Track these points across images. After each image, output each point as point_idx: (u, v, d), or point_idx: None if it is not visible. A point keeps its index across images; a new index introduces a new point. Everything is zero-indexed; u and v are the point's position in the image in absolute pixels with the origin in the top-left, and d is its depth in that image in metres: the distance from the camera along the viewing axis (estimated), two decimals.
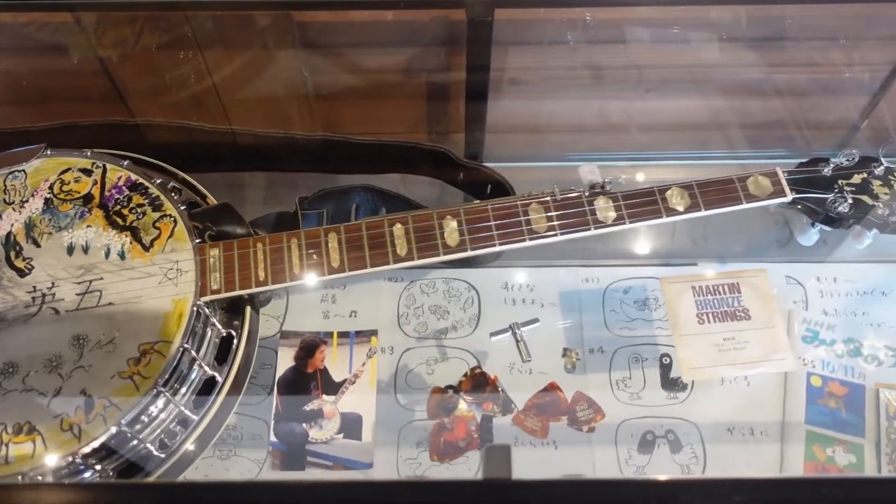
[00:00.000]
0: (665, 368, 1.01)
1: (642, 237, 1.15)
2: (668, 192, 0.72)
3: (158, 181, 0.75)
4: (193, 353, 0.68)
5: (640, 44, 0.85)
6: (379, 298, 1.09)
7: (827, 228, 0.76)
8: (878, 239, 1.13)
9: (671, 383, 1.03)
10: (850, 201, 0.74)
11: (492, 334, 0.91)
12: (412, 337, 1.05)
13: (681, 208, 0.72)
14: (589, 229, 0.72)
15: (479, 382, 0.78)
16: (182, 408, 0.68)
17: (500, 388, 0.77)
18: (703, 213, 0.72)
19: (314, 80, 0.86)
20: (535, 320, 0.90)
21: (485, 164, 0.82)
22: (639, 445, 0.99)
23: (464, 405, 0.76)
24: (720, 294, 0.78)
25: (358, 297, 1.09)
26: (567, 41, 0.82)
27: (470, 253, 0.70)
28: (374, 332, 0.79)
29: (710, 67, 0.89)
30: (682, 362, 0.75)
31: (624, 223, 0.71)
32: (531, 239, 0.71)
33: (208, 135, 0.81)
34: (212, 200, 0.78)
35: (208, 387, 0.71)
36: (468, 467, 0.89)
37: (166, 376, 0.66)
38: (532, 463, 0.97)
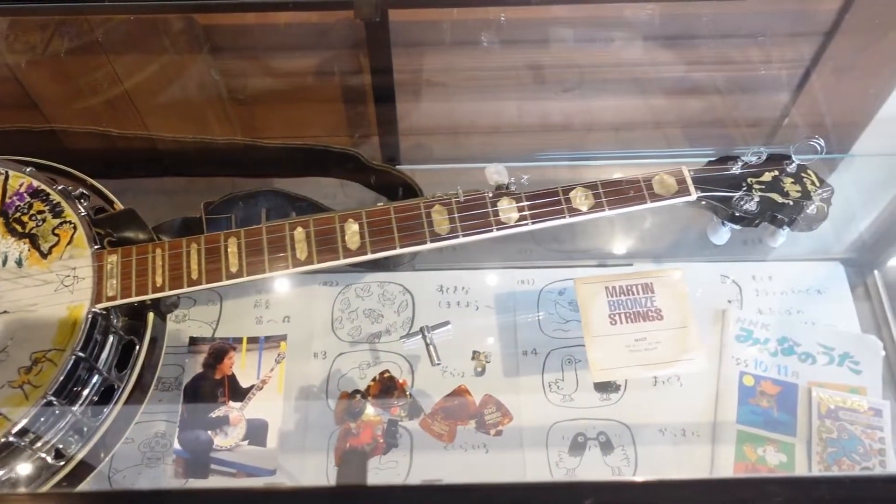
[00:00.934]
0: None
1: (580, 237, 1.14)
2: (573, 192, 0.72)
3: (61, 188, 0.74)
4: (91, 360, 0.67)
5: (556, 44, 0.84)
6: (313, 303, 1.09)
7: (736, 227, 0.76)
8: (814, 237, 1.12)
9: (604, 385, 1.02)
10: (756, 199, 0.73)
11: (402, 339, 0.90)
12: (345, 341, 1.05)
13: (585, 208, 0.71)
14: (491, 230, 0.71)
15: (387, 387, 0.77)
16: (79, 416, 0.67)
17: (408, 393, 0.76)
18: (607, 213, 0.71)
19: (229, 84, 0.86)
20: (446, 323, 0.89)
21: (402, 166, 0.82)
22: (570, 447, 0.98)
23: (371, 410, 0.76)
24: (634, 294, 0.78)
25: (292, 302, 1.08)
26: (482, 42, 0.82)
27: (370, 256, 0.70)
28: (283, 338, 0.78)
29: (629, 66, 0.88)
30: (591, 364, 0.74)
31: (527, 224, 0.71)
32: (433, 241, 0.70)
33: (120, 140, 0.81)
34: (119, 206, 0.77)
35: (108, 394, 0.70)
36: (372, 473, 0.88)
37: (56, 385, 0.65)
38: (467, 466, 0.96)
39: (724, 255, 1.11)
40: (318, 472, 0.77)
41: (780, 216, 0.75)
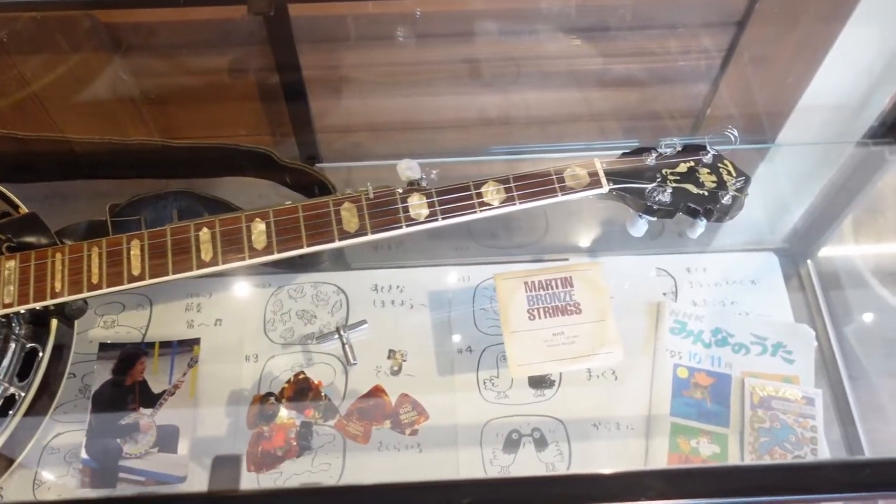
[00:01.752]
0: None
1: (517, 233, 1.14)
2: (484, 187, 0.71)
3: None
4: None
5: (472, 37, 0.83)
6: (245, 305, 1.07)
7: (652, 219, 0.75)
8: (748, 228, 1.13)
9: (538, 381, 1.01)
10: (670, 190, 0.73)
11: (317, 339, 0.89)
12: (278, 343, 1.03)
13: (496, 203, 0.71)
14: (401, 227, 0.70)
15: (302, 388, 0.76)
16: None
17: (323, 394, 0.74)
18: (518, 206, 0.71)
19: (139, 84, 0.84)
20: (363, 322, 0.88)
21: (324, 164, 0.80)
22: (504, 445, 0.98)
23: (285, 412, 0.74)
24: (553, 289, 0.77)
25: (224, 304, 1.07)
26: (398, 37, 0.80)
27: (277, 256, 0.68)
28: (196, 342, 0.76)
29: (549, 59, 0.87)
30: (510, 360, 0.73)
31: (437, 220, 0.70)
32: (341, 239, 0.69)
33: (28, 143, 0.79)
34: (24, 210, 0.75)
35: (9, 404, 0.68)
36: (285, 477, 0.87)
37: None
38: (399, 466, 0.95)
39: (660, 247, 1.11)
40: (231, 477, 0.76)
41: (695, 207, 0.74)
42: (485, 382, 1.01)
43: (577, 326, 0.74)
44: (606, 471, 0.49)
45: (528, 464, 0.96)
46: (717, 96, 0.89)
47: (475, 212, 0.70)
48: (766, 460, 0.95)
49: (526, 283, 0.76)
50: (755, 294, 1.07)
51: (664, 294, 1.07)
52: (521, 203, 0.70)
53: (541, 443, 0.97)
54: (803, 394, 0.98)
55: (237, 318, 1.06)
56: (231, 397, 0.90)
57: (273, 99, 0.85)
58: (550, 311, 0.76)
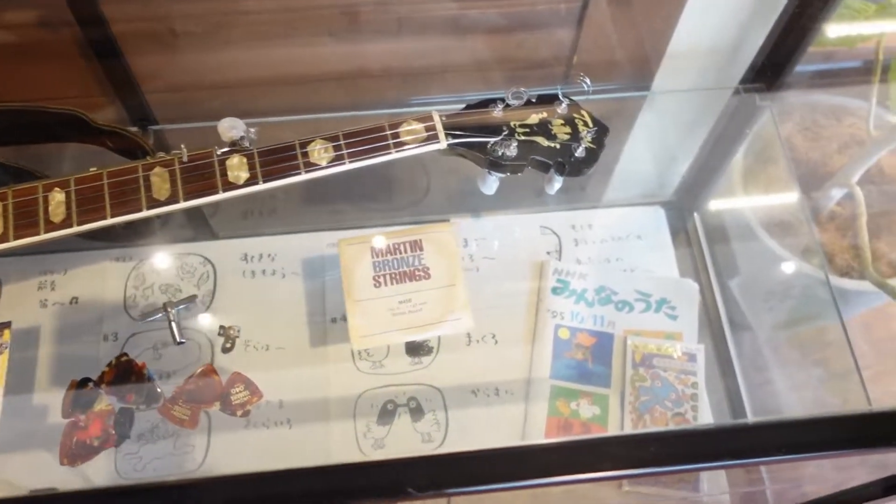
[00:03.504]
0: None
1: (397, 195, 1.08)
2: (311, 146, 0.65)
3: None
4: None
5: None
6: (104, 281, 1.00)
7: (501, 175, 0.71)
8: (635, 181, 1.09)
9: (416, 348, 0.97)
10: (514, 144, 0.68)
11: (141, 317, 0.83)
12: (139, 321, 0.97)
13: (324, 162, 0.65)
14: (217, 192, 0.64)
15: (124, 372, 0.70)
16: None
17: (147, 377, 0.69)
18: (348, 166, 0.65)
19: None
20: (193, 297, 0.82)
21: (159, 126, 0.74)
22: (378, 416, 0.94)
23: (104, 399, 0.69)
24: (401, 253, 0.72)
25: (80, 281, 1.00)
26: None
27: (77, 229, 0.62)
28: (7, 325, 0.70)
29: (401, 5, 0.81)
30: (351, 331, 0.68)
31: (257, 183, 0.64)
32: (150, 208, 0.63)
33: None
34: None
35: None
36: (104, 469, 0.82)
37: None
38: (268, 444, 0.91)
39: (545, 205, 1.07)
40: (42, 472, 0.71)
41: (544, 161, 0.69)
42: (360, 353, 0.96)
43: (426, 293, 0.70)
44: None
45: (403, 435, 0.92)
46: (581, 42, 0.84)
47: (300, 173, 0.64)
48: (646, 419, 0.93)
49: (372, 248, 0.71)
50: (641, 250, 1.04)
51: (548, 253, 1.03)
52: (350, 162, 0.65)
53: (417, 412, 0.93)
54: (685, 350, 0.96)
55: (95, 295, 0.99)
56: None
57: (87, 57, 0.77)
58: (398, 277, 0.71)
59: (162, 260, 1.01)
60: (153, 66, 0.80)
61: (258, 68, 0.85)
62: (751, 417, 0.94)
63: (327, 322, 0.98)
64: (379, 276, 0.71)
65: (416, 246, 0.72)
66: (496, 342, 0.97)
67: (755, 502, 0.93)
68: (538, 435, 0.92)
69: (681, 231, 1.05)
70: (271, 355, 0.96)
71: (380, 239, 0.71)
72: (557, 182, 0.73)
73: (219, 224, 1.03)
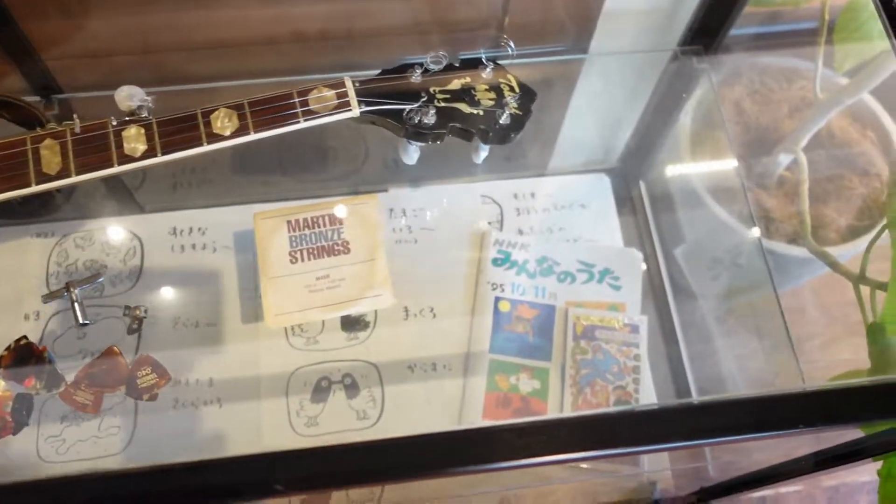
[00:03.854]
0: None
1: (331, 165, 1.04)
2: (214, 115, 0.61)
3: None
4: None
5: None
6: (25, 258, 0.96)
7: (420, 144, 0.67)
8: (580, 148, 1.06)
9: (351, 323, 0.94)
10: (432, 112, 0.64)
11: (46, 298, 0.79)
12: (45, 302, 0.93)
13: (228, 132, 0.61)
14: (112, 166, 0.60)
15: (23, 356, 0.67)
16: None
17: (47, 360, 0.66)
18: (254, 136, 0.61)
19: None
20: (98, 275, 0.78)
21: (65, 95, 0.69)
22: (312, 394, 0.91)
23: (1, 384, 0.65)
24: (320, 227, 0.68)
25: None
26: None
27: None
28: None
29: None
30: (265, 309, 0.65)
31: (156, 156, 0.60)
32: (39, 183, 0.59)
33: None
34: None
35: None
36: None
37: None
38: (197, 424, 0.88)
39: (486, 173, 1.03)
40: None
41: (465, 129, 0.66)
42: (293, 328, 0.93)
43: (345, 268, 0.66)
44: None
45: (337, 413, 0.90)
46: (513, 2, 0.80)
47: (202, 144, 0.60)
48: (587, 393, 0.91)
49: (289, 221, 0.67)
50: (585, 219, 1.01)
51: (489, 223, 1.00)
52: (256, 132, 0.61)
53: (352, 389, 0.91)
54: (628, 321, 0.93)
55: (15, 273, 0.95)
56: None
57: None
58: (315, 252, 0.68)
59: (86, 235, 0.97)
60: (52, 32, 0.75)
61: (179, 31, 0.80)
62: (694, 390, 0.93)
63: (259, 297, 0.95)
64: (296, 252, 0.68)
65: (336, 219, 0.68)
66: (434, 316, 0.94)
67: (697, 475, 0.92)
68: (476, 411, 0.90)
69: (626, 199, 1.02)
70: (201, 332, 0.92)
71: (297, 212, 0.68)
72: (483, 150, 0.70)
73: (145, 197, 0.99)
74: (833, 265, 0.73)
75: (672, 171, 1.01)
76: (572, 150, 1.03)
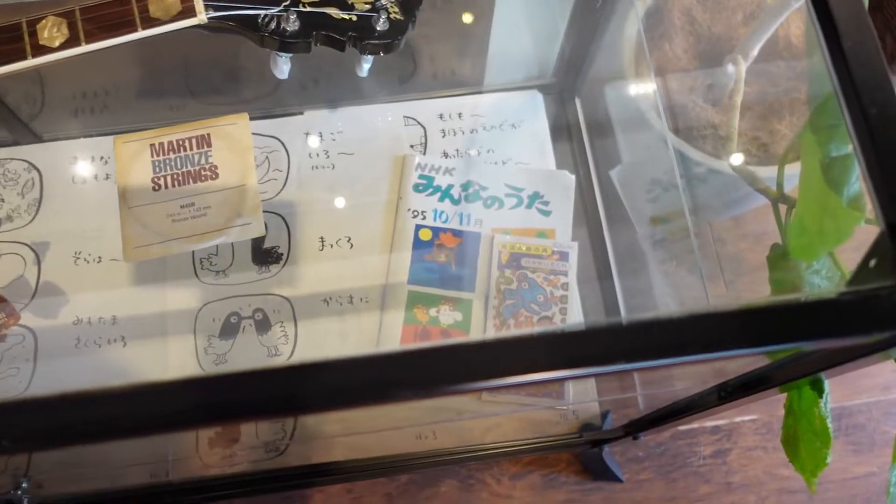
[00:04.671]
0: (258, 239, 0.86)
1: (245, 85, 0.97)
2: (41, 25, 0.54)
3: None
4: None
5: None
6: None
7: (288, 55, 0.60)
8: (511, 62, 0.98)
9: (263, 255, 0.89)
10: (294, 17, 0.57)
11: None
12: None
13: (56, 44, 0.54)
14: None
15: None
16: None
17: None
18: (86, 48, 0.54)
19: None
20: None
21: None
22: (221, 331, 0.86)
23: None
24: (186, 151, 0.62)
25: None
26: None
27: None
28: None
29: None
30: (124, 242, 0.60)
31: None
32: None
33: None
34: None
35: None
36: None
37: None
38: (100, 364, 0.84)
39: (410, 92, 0.96)
40: None
41: (335, 36, 0.59)
42: (201, 262, 0.88)
43: (211, 195, 0.61)
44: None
45: (247, 349, 0.85)
46: None
47: (26, 58, 0.53)
48: (511, 325, 0.86)
49: (153, 145, 0.61)
50: (515, 139, 0.94)
51: (412, 146, 0.93)
52: (88, 43, 0.54)
53: (263, 325, 0.86)
54: (557, 248, 0.88)
55: None
56: None
57: None
58: (181, 178, 0.62)
59: None
60: None
61: None
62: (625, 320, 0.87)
63: None
64: (159, 178, 0.62)
65: (204, 142, 0.62)
66: (351, 246, 0.89)
67: (626, 407, 0.88)
68: (393, 345, 0.85)
69: (560, 118, 0.94)
70: (104, 268, 0.87)
71: (162, 134, 0.61)
72: (366, 62, 0.63)
73: (42, 125, 0.93)
74: (753, 182, 0.66)
75: (612, 87, 0.93)
76: (503, 65, 0.95)
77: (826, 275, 0.54)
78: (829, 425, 0.47)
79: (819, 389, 0.46)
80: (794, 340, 0.31)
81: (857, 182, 0.41)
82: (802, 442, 0.49)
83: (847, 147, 0.41)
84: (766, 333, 0.31)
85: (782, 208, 0.61)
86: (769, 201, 0.67)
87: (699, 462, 1.00)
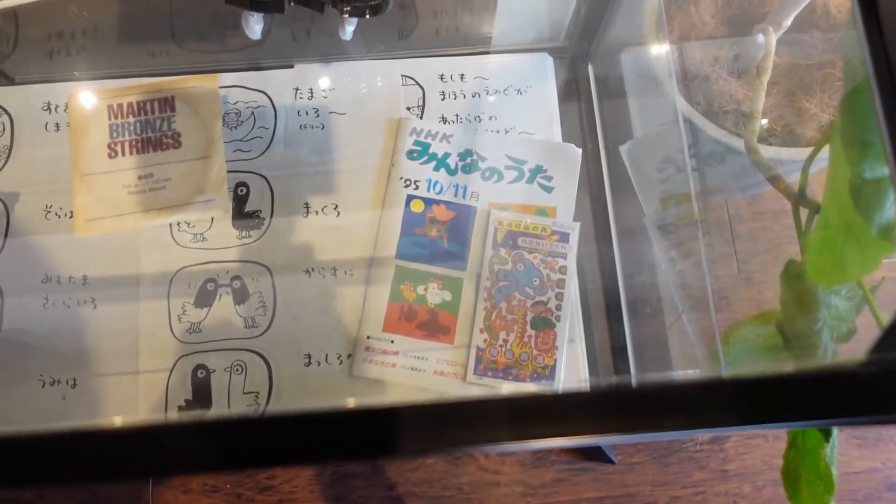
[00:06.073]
0: (239, 200, 0.81)
1: (230, 32, 0.90)
2: None
3: None
4: None
5: None
6: None
7: (259, 13, 0.53)
8: (522, 20, 0.90)
9: (245, 218, 0.84)
10: None
11: None
12: None
13: None
14: None
15: None
16: None
17: None
18: None
19: None
20: None
21: None
22: (196, 297, 0.82)
23: None
24: (148, 114, 0.56)
25: None
26: None
27: None
28: None
29: None
30: (76, 212, 0.54)
31: None
32: None
33: None
34: None
35: None
36: None
37: None
38: (66, 327, 0.80)
39: (410, 49, 0.89)
40: None
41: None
42: (178, 224, 0.83)
43: (172, 166, 0.55)
44: None
45: (223, 319, 0.81)
46: None
47: None
48: (502, 308, 0.81)
49: (110, 106, 0.55)
50: (521, 106, 0.87)
51: (408, 109, 0.86)
52: None
53: (241, 294, 0.81)
54: (557, 228, 0.82)
55: None
56: None
57: None
58: (140, 144, 0.56)
59: None
60: None
61: None
62: (625, 310, 0.82)
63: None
64: (116, 144, 0.56)
65: (167, 105, 0.56)
66: (338, 214, 0.83)
67: None
68: (377, 322, 0.81)
69: (571, 84, 0.87)
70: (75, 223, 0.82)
71: (122, 94, 0.55)
72: (349, 24, 0.56)
73: (15, 66, 0.86)
74: (773, 179, 0.60)
75: (629, 53, 0.85)
76: (512, 24, 0.87)
77: (846, 294, 0.48)
78: (834, 472, 0.42)
79: (826, 433, 0.41)
80: (806, 419, 0.26)
81: (893, 209, 0.35)
82: (804, 482, 0.44)
83: (883, 169, 0.35)
84: (775, 411, 0.26)
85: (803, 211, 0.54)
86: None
87: (695, 447, 0.96)
